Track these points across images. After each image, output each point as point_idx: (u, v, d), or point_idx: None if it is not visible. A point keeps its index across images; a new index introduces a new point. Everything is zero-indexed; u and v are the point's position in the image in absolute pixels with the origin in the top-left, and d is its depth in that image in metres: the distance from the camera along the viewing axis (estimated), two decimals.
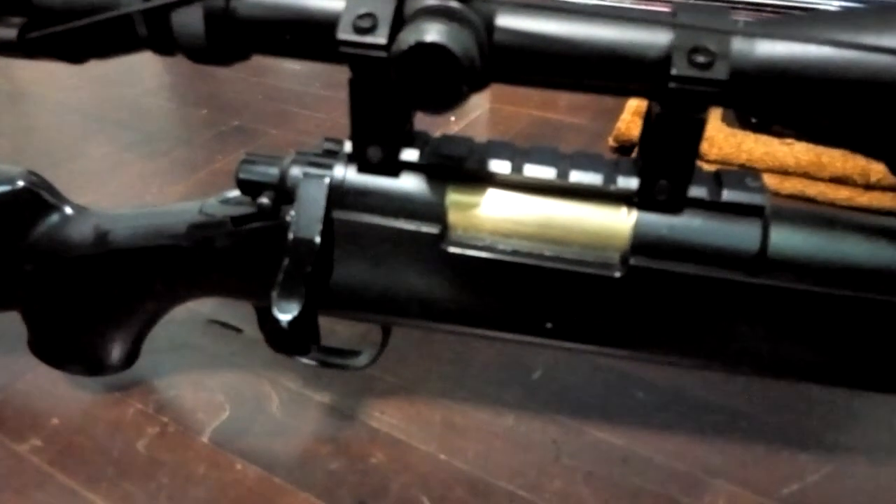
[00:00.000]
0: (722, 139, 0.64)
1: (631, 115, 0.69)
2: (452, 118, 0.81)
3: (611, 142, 0.72)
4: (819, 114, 0.26)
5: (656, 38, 0.26)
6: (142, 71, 0.94)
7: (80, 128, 0.80)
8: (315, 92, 0.87)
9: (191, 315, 0.48)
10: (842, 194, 0.61)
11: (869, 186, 0.60)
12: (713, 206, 0.30)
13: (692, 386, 0.44)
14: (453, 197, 0.32)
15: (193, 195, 0.69)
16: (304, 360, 0.39)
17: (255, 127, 0.80)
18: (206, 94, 0.87)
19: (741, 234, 0.30)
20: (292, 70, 0.93)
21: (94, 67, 0.33)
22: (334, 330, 0.47)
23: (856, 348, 0.31)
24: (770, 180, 0.63)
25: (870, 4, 0.28)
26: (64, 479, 0.39)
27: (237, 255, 0.35)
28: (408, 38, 0.25)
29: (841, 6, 0.71)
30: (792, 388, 0.43)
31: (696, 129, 0.27)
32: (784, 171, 0.62)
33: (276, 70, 0.93)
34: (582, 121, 0.80)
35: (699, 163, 0.65)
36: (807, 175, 0.62)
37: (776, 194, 0.63)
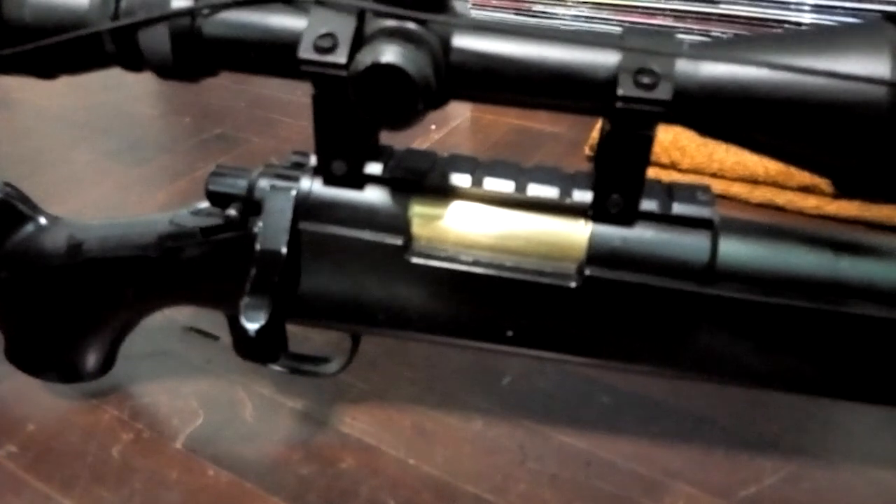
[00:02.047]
0: (694, 149, 0.65)
1: None
2: (433, 126, 0.82)
3: (587, 150, 0.73)
4: (760, 132, 0.27)
5: (604, 60, 0.27)
6: (126, 78, 0.93)
7: (63, 135, 0.80)
8: (298, 100, 0.88)
9: (167, 322, 0.49)
10: (810, 203, 0.62)
11: (836, 196, 0.61)
12: (664, 219, 0.31)
13: (656, 391, 0.45)
14: (417, 209, 0.33)
15: (175, 203, 0.69)
16: (275, 367, 0.40)
17: (238, 135, 0.81)
18: (189, 101, 0.88)
19: (691, 246, 0.31)
20: (276, 78, 0.94)
21: (77, 76, 0.34)
22: (308, 337, 0.47)
23: (805, 356, 0.33)
24: (740, 189, 0.65)
25: (807, 28, 0.29)
26: (39, 484, 0.40)
27: (206, 264, 0.36)
28: (365, 58, 0.26)
29: (812, 21, 0.72)
30: (752, 393, 0.44)
31: (645, 146, 0.28)
32: (754, 181, 0.64)
33: (260, 78, 0.93)
34: (560, 130, 0.81)
35: (672, 172, 0.66)
36: (776, 184, 0.63)
37: (746, 203, 0.64)
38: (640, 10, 0.79)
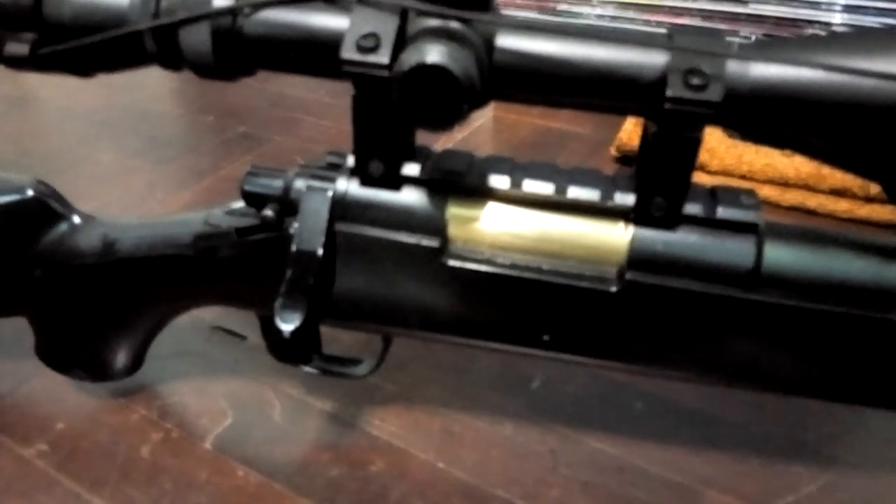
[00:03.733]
0: (723, 151, 0.64)
1: (633, 126, 0.70)
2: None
3: (612, 151, 0.72)
4: (811, 135, 0.27)
5: (652, 60, 0.27)
6: (148, 77, 0.94)
7: (87, 133, 0.81)
8: (321, 99, 0.88)
9: (195, 322, 0.49)
10: (841, 206, 0.61)
11: (869, 199, 0.60)
12: (708, 223, 0.30)
13: (690, 397, 0.44)
14: (453, 211, 0.33)
15: (199, 202, 0.70)
16: (306, 369, 0.40)
17: (261, 134, 0.81)
18: (212, 100, 0.88)
19: (736, 251, 0.30)
20: (299, 77, 0.94)
21: (114, 74, 0.34)
22: (337, 338, 0.47)
23: (849, 364, 0.32)
24: (771, 192, 0.64)
25: (860, 29, 0.28)
26: (69, 483, 0.40)
27: (241, 265, 0.35)
28: (409, 58, 0.26)
29: (844, 24, 0.71)
30: (788, 400, 0.43)
31: (691, 148, 0.28)
32: (784, 183, 0.63)
33: (283, 77, 0.93)
34: (584, 130, 0.81)
35: (700, 174, 0.66)
36: (807, 187, 0.62)
37: (777, 206, 0.63)
38: (666, 9, 0.78)
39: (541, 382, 0.46)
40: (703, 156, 0.64)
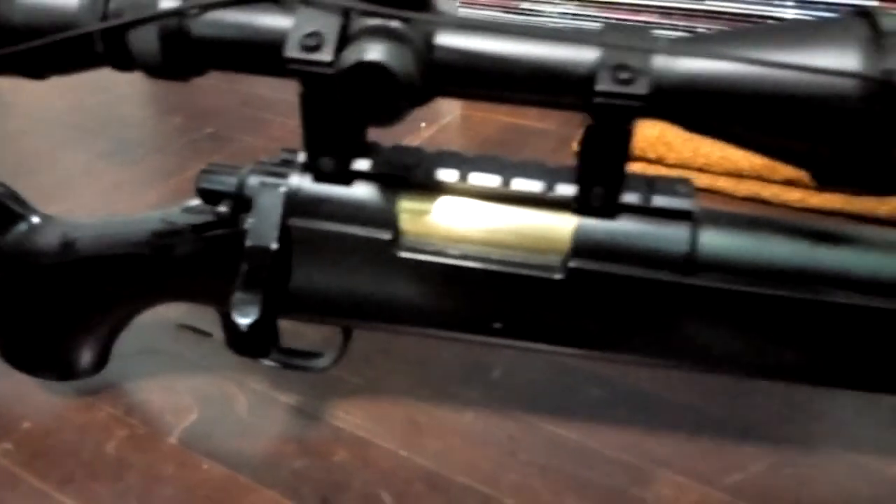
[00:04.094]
0: (680, 144, 0.66)
1: None
2: (423, 124, 0.82)
3: (575, 147, 0.73)
4: (736, 124, 0.28)
5: (584, 56, 0.28)
6: (117, 79, 0.93)
7: (54, 136, 0.81)
8: (289, 99, 0.86)
9: (160, 320, 0.49)
10: (794, 196, 0.63)
11: (820, 189, 0.62)
12: (645, 211, 0.31)
13: (645, 382, 0.46)
14: (404, 204, 0.34)
15: (166, 203, 0.69)
16: (267, 363, 0.40)
17: (229, 134, 0.81)
18: (180, 101, 0.88)
19: (671, 237, 0.31)
20: (267, 77, 0.94)
21: (68, 76, 0.34)
22: (302, 333, 0.48)
23: (786, 344, 0.33)
24: (726, 183, 0.65)
25: (781, 22, 0.30)
26: (35, 481, 0.40)
27: (198, 261, 0.36)
28: (350, 56, 0.27)
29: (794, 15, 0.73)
30: (739, 383, 0.45)
31: (624, 140, 0.29)
32: (739, 175, 0.65)
33: (250, 77, 0.94)
34: (550, 126, 0.82)
35: (658, 167, 0.67)
36: (761, 178, 0.64)
37: (732, 196, 0.65)
38: (626, 6, 0.80)
39: (501, 372, 0.47)
40: (661, 149, 0.66)
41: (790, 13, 0.74)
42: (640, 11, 0.79)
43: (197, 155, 0.76)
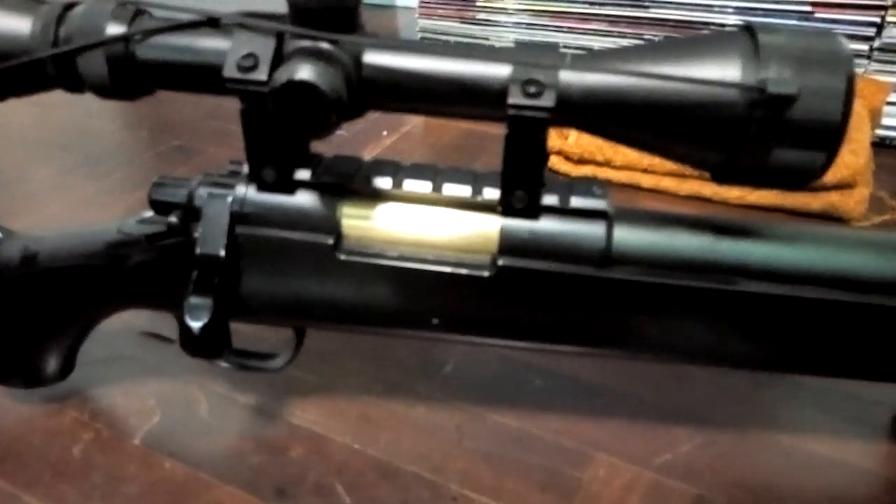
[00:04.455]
0: (626, 147, 0.69)
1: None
2: (385, 133, 0.85)
3: None
4: (635, 131, 0.31)
5: (497, 72, 0.31)
6: (84, 94, 0.96)
7: (22, 151, 0.82)
8: None
9: (124, 328, 0.51)
10: (733, 193, 0.67)
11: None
12: (564, 212, 0.34)
13: (586, 373, 0.49)
14: (345, 210, 0.36)
15: (135, 215, 0.71)
16: (223, 364, 0.42)
17: (195, 146, 0.83)
18: (146, 115, 0.90)
19: (588, 235, 0.34)
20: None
21: (22, 98, 0.36)
22: (263, 337, 0.50)
23: (697, 330, 0.36)
24: (670, 183, 0.69)
25: (672, 39, 0.33)
26: (3, 484, 0.42)
27: (153, 269, 0.38)
28: (281, 76, 0.29)
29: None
30: (670, 370, 0.48)
31: (539, 147, 0.32)
32: (682, 175, 0.68)
33: None
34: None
35: (606, 169, 0.70)
36: (702, 177, 0.67)
37: (675, 195, 0.68)
38: (575, 16, 0.83)
39: (453, 367, 0.50)
40: (608, 152, 0.69)
41: (731, 20, 0.77)
42: (588, 20, 0.83)
43: (164, 167, 0.77)
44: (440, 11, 0.90)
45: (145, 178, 0.76)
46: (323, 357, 0.50)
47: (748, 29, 0.30)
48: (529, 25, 0.86)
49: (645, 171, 0.69)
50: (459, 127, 0.87)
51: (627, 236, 0.35)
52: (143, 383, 0.49)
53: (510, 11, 0.86)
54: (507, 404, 0.47)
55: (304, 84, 0.29)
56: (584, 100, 0.30)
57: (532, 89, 0.30)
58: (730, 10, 0.77)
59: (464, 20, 0.89)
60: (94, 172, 0.77)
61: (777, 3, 0.74)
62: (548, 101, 0.30)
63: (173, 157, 0.81)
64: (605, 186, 0.35)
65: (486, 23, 0.88)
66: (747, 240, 0.35)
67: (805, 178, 0.31)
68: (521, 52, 0.31)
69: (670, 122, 0.30)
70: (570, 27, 0.83)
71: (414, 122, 0.88)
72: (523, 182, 0.33)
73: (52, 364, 0.45)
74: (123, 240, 0.39)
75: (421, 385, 0.48)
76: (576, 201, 0.34)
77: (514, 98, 0.30)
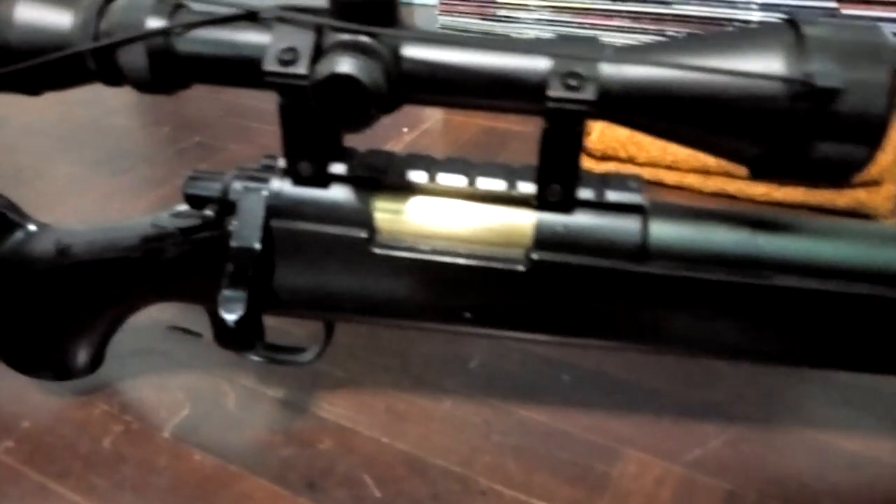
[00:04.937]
0: (649, 143, 0.69)
1: None
2: (405, 129, 0.85)
3: None
4: (675, 125, 0.31)
5: (537, 65, 0.31)
6: (104, 92, 0.95)
7: (45, 149, 0.83)
8: (272, 108, 0.90)
9: (152, 322, 0.52)
10: (759, 190, 0.66)
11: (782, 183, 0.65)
12: (600, 206, 0.34)
13: (613, 367, 0.48)
14: (379, 204, 0.36)
15: (155, 211, 0.72)
16: (253, 357, 0.43)
17: (216, 143, 0.84)
18: (167, 111, 0.91)
19: (624, 229, 0.34)
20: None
21: (60, 91, 0.37)
22: (288, 331, 0.50)
23: (734, 326, 0.36)
24: (694, 180, 0.68)
25: (714, 32, 0.33)
26: (35, 475, 0.42)
27: (187, 263, 0.39)
28: (323, 69, 0.29)
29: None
30: (701, 365, 0.48)
31: (576, 140, 0.32)
32: (706, 171, 0.68)
33: (235, 88, 0.97)
34: (528, 129, 0.84)
35: (630, 166, 0.70)
36: (727, 174, 0.67)
37: (700, 192, 0.68)
38: (598, 12, 0.83)
39: (478, 362, 0.50)
40: (631, 149, 0.69)
41: (755, 16, 0.77)
42: (611, 16, 0.82)
43: (185, 164, 0.78)
44: (460, 8, 0.90)
45: (167, 174, 0.78)
46: (348, 351, 0.50)
47: (790, 22, 0.30)
48: (550, 22, 0.86)
49: (669, 167, 0.68)
50: (479, 123, 0.87)
51: (664, 230, 0.34)
52: (171, 376, 0.49)
53: (531, 8, 0.86)
54: (534, 399, 0.47)
55: (346, 77, 0.29)
56: (624, 93, 0.30)
57: (572, 82, 0.30)
58: (754, 6, 0.76)
59: (484, 17, 0.89)
60: (115, 169, 0.78)
61: None
62: (589, 94, 0.30)
63: (194, 154, 0.81)
64: (641, 180, 0.35)
65: (507, 19, 0.88)
66: (785, 235, 0.34)
67: (846, 173, 0.30)
68: (560, 45, 0.31)
69: (711, 116, 0.30)
70: (591, 23, 0.83)
71: (434, 119, 0.88)
72: (559, 176, 0.33)
73: (82, 357, 0.46)
74: (157, 233, 0.39)
75: (447, 379, 0.48)
76: (611, 195, 0.34)
77: (555, 91, 0.30)
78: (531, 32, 0.88)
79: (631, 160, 0.69)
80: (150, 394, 0.48)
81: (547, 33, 0.85)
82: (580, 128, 0.31)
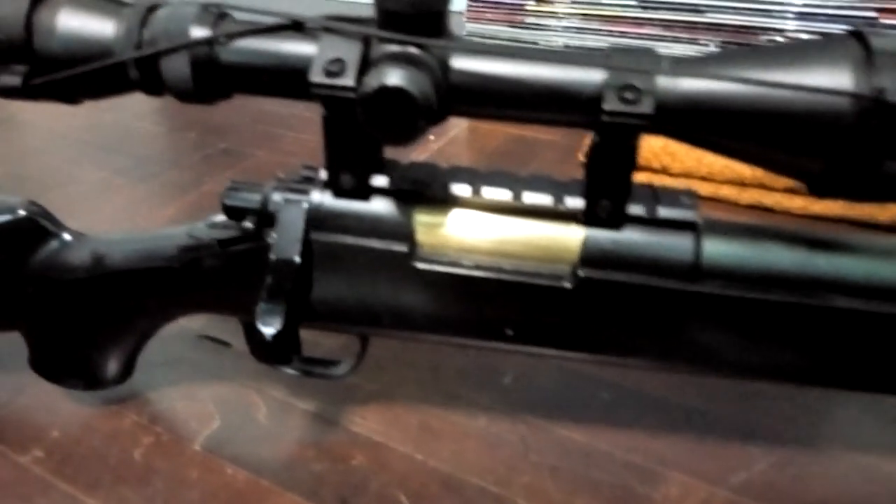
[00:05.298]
0: (684, 154, 0.68)
1: None
2: (431, 137, 0.84)
3: (581, 157, 0.75)
4: (735, 140, 0.30)
5: (591, 78, 0.30)
6: (130, 97, 0.96)
7: (71, 153, 0.83)
8: (300, 114, 0.90)
9: (182, 331, 0.51)
10: (796, 203, 0.65)
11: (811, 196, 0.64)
12: (651, 222, 0.33)
13: (652, 386, 0.47)
14: (420, 218, 0.35)
15: (183, 217, 0.72)
16: (288, 371, 0.42)
17: (242, 149, 0.83)
18: (193, 118, 0.91)
19: (676, 247, 0.33)
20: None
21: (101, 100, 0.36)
22: (318, 342, 0.50)
23: (787, 347, 0.35)
24: (729, 192, 0.67)
25: (778, 43, 0.32)
26: (65, 486, 0.42)
27: (224, 274, 0.38)
28: (372, 81, 0.29)
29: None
30: (744, 385, 0.46)
31: (630, 155, 0.31)
32: (742, 183, 0.66)
33: None
34: (555, 137, 0.84)
35: (664, 177, 0.69)
36: (763, 186, 0.66)
37: (735, 204, 0.67)
38: (628, 20, 0.82)
39: (512, 377, 0.49)
40: (665, 159, 0.67)
41: (791, 25, 0.75)
42: (642, 24, 0.81)
43: (212, 170, 0.78)
44: (488, 15, 0.90)
45: (194, 180, 0.78)
46: (379, 364, 0.49)
47: (857, 35, 0.29)
48: (580, 30, 0.85)
49: (703, 178, 0.67)
50: (507, 132, 0.86)
51: (717, 248, 0.33)
52: (201, 387, 0.48)
53: (560, 15, 0.85)
54: (572, 417, 0.45)
55: (395, 90, 0.28)
56: (682, 107, 0.29)
57: (629, 95, 0.29)
58: (790, 15, 0.75)
59: (513, 24, 0.88)
60: (142, 174, 0.78)
61: (840, 7, 0.72)
62: (646, 107, 0.29)
63: (221, 161, 0.81)
64: (694, 195, 0.34)
65: (536, 27, 0.87)
66: (844, 254, 0.33)
67: None
68: (615, 57, 0.30)
69: (773, 132, 0.29)
70: (622, 32, 0.82)
71: (460, 127, 0.87)
72: (609, 191, 0.32)
73: (112, 366, 0.45)
74: (194, 244, 0.38)
75: (481, 395, 0.47)
76: (663, 211, 0.33)
77: (610, 104, 0.29)
78: (560, 40, 0.87)
79: (664, 170, 0.68)
80: (179, 404, 0.47)
81: (576, 41, 0.84)
82: (634, 142, 0.30)
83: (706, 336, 0.35)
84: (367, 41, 0.30)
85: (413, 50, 0.30)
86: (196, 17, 0.32)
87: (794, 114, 0.28)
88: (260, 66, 0.32)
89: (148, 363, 0.47)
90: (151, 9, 0.32)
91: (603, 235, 0.34)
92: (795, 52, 0.29)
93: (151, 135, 0.89)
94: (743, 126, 0.29)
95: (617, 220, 0.33)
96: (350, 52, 0.30)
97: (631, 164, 0.31)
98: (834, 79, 0.28)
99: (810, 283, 0.33)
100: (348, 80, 0.30)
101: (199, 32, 0.32)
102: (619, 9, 0.81)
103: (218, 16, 0.32)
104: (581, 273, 0.34)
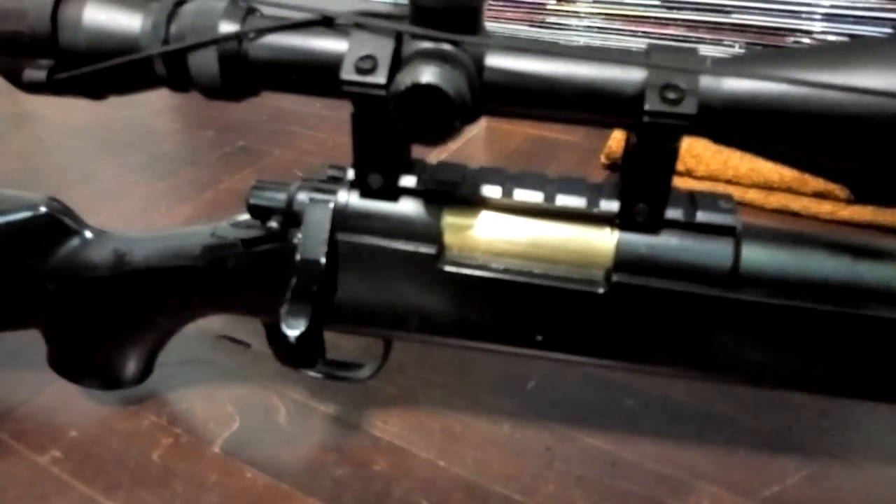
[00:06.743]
0: (709, 156, 0.66)
1: (622, 134, 0.71)
2: None
3: (602, 159, 0.74)
4: (780, 143, 0.29)
5: (631, 77, 0.29)
6: (148, 93, 0.96)
7: (89, 150, 0.82)
8: (317, 112, 0.90)
9: (201, 331, 0.50)
10: (825, 208, 0.63)
11: (850, 201, 0.62)
12: (689, 227, 0.32)
13: (680, 394, 0.46)
14: (449, 219, 0.34)
15: (201, 215, 0.71)
16: (311, 373, 0.41)
17: (260, 147, 0.83)
18: (211, 115, 0.90)
19: (715, 253, 0.32)
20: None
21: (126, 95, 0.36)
22: (338, 345, 0.49)
23: (827, 358, 0.34)
24: (756, 195, 0.66)
25: (824, 43, 0.30)
26: (83, 487, 0.41)
27: (248, 274, 0.37)
28: (405, 79, 0.28)
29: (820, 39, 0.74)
30: (774, 394, 0.45)
31: (670, 157, 0.30)
32: (769, 187, 0.65)
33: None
34: (575, 138, 0.83)
35: (688, 179, 0.68)
36: (791, 190, 0.64)
37: (762, 209, 0.65)
38: (652, 21, 0.81)
39: (536, 383, 0.48)
40: (690, 161, 0.66)
41: (818, 26, 0.74)
42: (666, 24, 0.80)
43: (229, 168, 0.77)
44: (509, 14, 0.89)
45: (212, 178, 0.77)
46: (400, 367, 0.49)
47: None
48: (602, 30, 0.84)
49: (729, 181, 0.66)
50: (525, 132, 0.85)
51: (757, 255, 0.32)
52: (220, 388, 0.48)
53: (582, 15, 0.84)
54: (598, 425, 0.44)
55: (429, 88, 0.27)
56: (727, 107, 0.28)
57: (671, 95, 0.28)
58: (817, 16, 0.73)
59: (533, 23, 0.87)
60: (160, 172, 0.77)
61: (868, 10, 0.70)
62: (689, 108, 0.28)
63: (238, 159, 0.80)
64: (733, 200, 0.33)
65: (557, 26, 0.86)
66: (886, 263, 0.32)
67: None
68: (657, 55, 0.29)
69: (821, 134, 0.28)
70: (645, 32, 0.81)
71: (478, 126, 0.86)
72: (647, 194, 0.31)
73: (132, 366, 0.45)
74: (217, 243, 0.38)
75: (504, 401, 0.47)
76: (702, 216, 0.32)
77: (652, 104, 0.28)
78: (581, 40, 0.86)
79: (689, 173, 0.67)
80: (198, 406, 0.47)
81: (597, 42, 0.83)
82: (675, 144, 0.29)
83: (742, 345, 0.34)
84: (399, 38, 0.30)
85: (447, 47, 0.29)
86: (225, 12, 0.31)
87: (843, 116, 0.27)
88: (289, 63, 0.31)
89: (166, 362, 0.47)
90: (179, 3, 0.32)
91: (638, 240, 0.33)
92: (846, 52, 0.28)
93: (168, 132, 0.88)
94: (789, 128, 0.28)
95: (654, 224, 0.32)
96: (382, 48, 0.29)
97: (671, 166, 0.30)
98: (886, 80, 0.27)
99: (852, 291, 0.32)
100: (380, 78, 0.29)
101: (227, 28, 0.31)
102: (642, 9, 0.80)
103: (247, 11, 0.31)
104: (615, 278, 0.33)
